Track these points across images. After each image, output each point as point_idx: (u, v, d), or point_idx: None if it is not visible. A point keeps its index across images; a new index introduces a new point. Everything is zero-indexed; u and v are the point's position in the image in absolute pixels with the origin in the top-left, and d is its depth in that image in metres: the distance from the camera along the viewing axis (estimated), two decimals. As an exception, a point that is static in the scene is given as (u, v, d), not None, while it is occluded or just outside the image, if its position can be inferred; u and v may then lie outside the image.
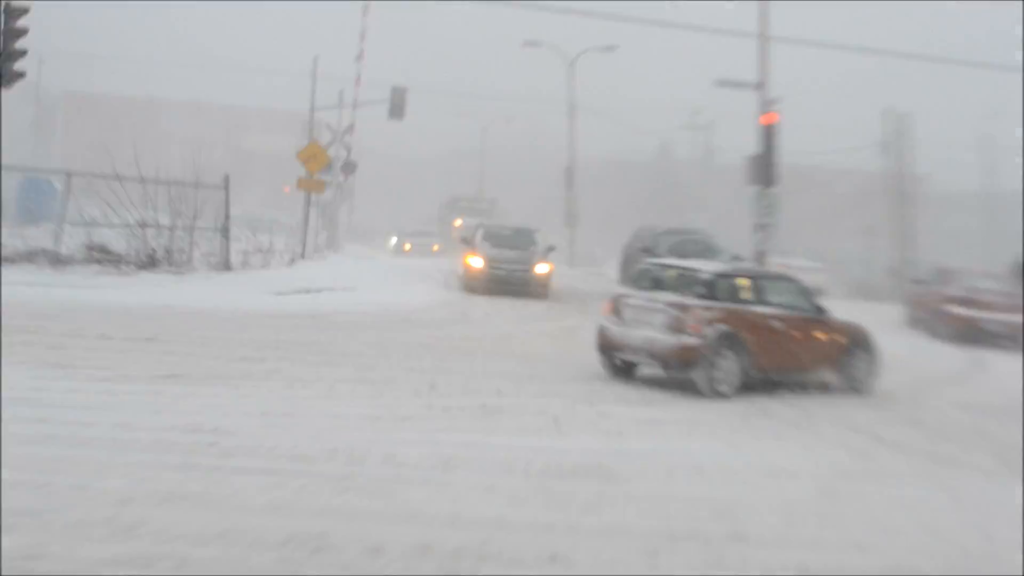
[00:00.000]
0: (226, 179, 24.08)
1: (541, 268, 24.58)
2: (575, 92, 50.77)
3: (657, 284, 13.91)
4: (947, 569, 6.87)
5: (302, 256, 29.98)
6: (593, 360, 14.11)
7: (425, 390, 11.36)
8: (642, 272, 14.72)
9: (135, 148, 21.73)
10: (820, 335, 13.96)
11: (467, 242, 25.98)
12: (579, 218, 49.32)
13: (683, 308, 13.03)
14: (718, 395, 12.65)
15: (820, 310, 14.16)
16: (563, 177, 50.79)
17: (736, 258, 25.18)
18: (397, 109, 36.66)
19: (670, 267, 14.33)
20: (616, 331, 13.55)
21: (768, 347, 13.17)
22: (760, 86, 29.74)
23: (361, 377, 11.83)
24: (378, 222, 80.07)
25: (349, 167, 39.46)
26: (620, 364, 13.74)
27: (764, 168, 28.81)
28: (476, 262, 24.54)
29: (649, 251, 25.54)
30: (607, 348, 13.77)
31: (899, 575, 6.59)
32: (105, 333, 13.47)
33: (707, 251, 25.61)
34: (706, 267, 14.16)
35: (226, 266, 23.57)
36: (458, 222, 54.86)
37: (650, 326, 13.13)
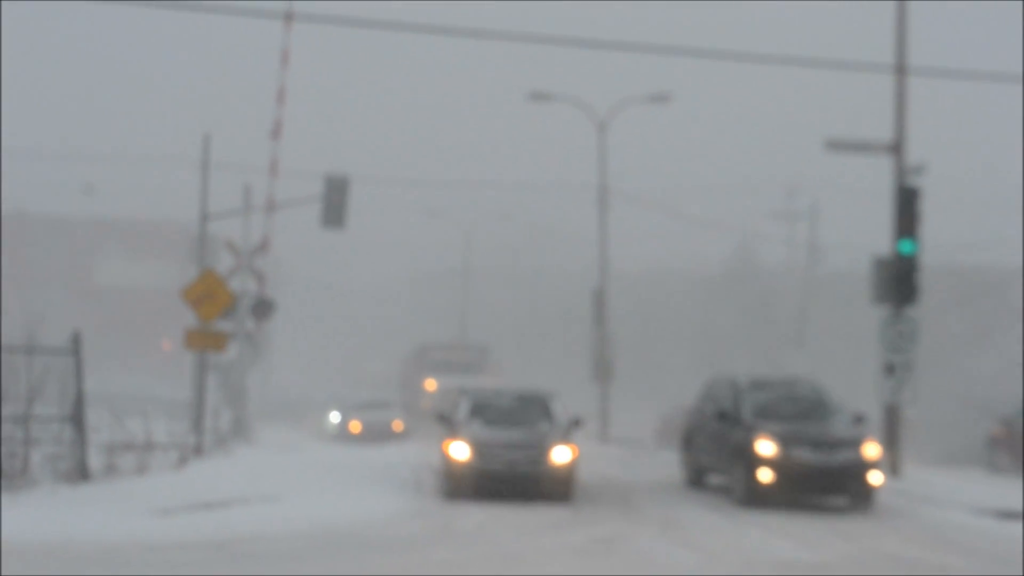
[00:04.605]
0: (75, 338, 24.47)
1: (561, 455, 24.62)
2: (608, 170, 50.09)
3: None
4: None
5: (197, 451, 30.34)
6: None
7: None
8: None
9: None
10: None
11: (445, 420, 26.10)
12: (615, 368, 49.04)
13: None
14: None
15: None
16: (590, 306, 50.78)
17: (859, 419, 25.49)
18: (334, 212, 36.56)
19: None
20: None
21: None
22: (896, 148, 30.08)
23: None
24: (310, 389, 79.72)
25: (263, 308, 39.60)
26: None
27: (899, 276, 28.93)
28: (459, 451, 24.51)
29: (728, 415, 25.72)
30: None
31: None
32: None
33: (816, 410, 25.89)
34: None
35: (82, 474, 23.92)
36: (431, 385, 55.34)
37: None
